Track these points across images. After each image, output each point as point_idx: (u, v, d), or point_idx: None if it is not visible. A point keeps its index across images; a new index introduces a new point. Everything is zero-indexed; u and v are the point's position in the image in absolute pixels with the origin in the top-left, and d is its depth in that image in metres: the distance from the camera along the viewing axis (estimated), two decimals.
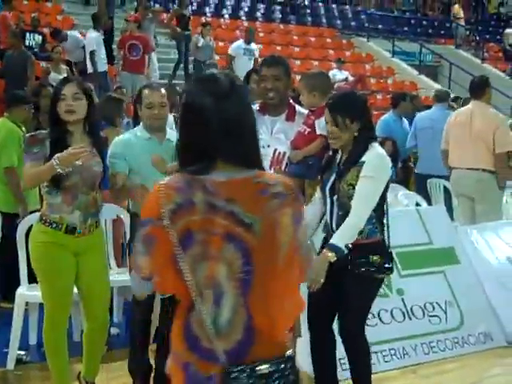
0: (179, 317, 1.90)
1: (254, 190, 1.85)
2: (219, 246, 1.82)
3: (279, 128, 3.71)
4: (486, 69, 17.39)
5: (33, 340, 4.63)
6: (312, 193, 3.62)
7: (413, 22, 20.18)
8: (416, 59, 17.30)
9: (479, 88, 6.06)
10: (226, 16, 16.76)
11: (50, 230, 3.49)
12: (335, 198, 3.33)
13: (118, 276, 4.79)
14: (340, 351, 3.53)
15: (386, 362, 4.26)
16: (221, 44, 14.66)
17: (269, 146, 3.69)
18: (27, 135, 3.67)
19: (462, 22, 19.44)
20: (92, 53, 10.48)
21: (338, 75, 13.32)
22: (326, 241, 3.42)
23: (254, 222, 1.83)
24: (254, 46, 11.82)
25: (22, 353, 4.37)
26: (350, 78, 13.50)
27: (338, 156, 3.40)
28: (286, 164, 3.68)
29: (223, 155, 1.85)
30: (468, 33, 19.72)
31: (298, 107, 3.80)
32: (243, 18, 17.00)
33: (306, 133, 3.61)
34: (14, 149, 5.05)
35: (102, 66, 10.66)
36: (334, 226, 3.36)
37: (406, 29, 19.21)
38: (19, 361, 4.30)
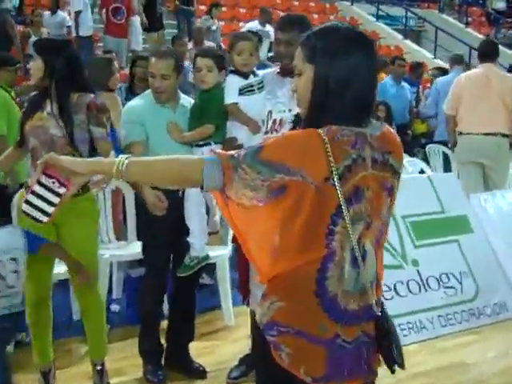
0: (299, 293, 1.82)
1: (394, 139, 1.91)
2: (383, 202, 1.85)
3: None
4: (469, 33, 17.25)
5: None
6: None
7: None
8: (400, 23, 17.05)
9: (494, 50, 5.87)
10: None
11: (23, 194, 3.34)
12: None
13: (118, 250, 4.58)
14: None
15: (405, 336, 4.09)
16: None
17: (290, 111, 3.44)
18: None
19: None
20: (77, 14, 10.08)
21: None
22: None
23: (401, 168, 1.91)
24: (268, 27, 10.51)
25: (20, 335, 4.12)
26: None
27: None
28: None
29: (370, 109, 1.86)
30: None
31: None
32: None
33: None
34: (2, 115, 4.65)
35: (88, 29, 10.21)
36: None
37: None
38: (18, 343, 4.04)
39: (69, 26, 10.38)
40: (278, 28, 3.43)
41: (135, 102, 3.63)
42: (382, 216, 1.86)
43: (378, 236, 1.87)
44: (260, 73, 3.54)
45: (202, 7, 13.52)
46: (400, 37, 16.42)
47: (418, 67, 9.20)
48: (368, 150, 1.80)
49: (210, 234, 3.93)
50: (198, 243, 3.50)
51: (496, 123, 5.66)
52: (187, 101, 3.62)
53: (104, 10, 10.26)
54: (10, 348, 3.93)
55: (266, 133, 3.47)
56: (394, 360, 1.89)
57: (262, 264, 1.95)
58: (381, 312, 1.89)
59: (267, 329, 1.86)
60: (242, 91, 3.41)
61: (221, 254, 4.44)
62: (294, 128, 3.37)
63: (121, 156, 1.82)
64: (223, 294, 4.52)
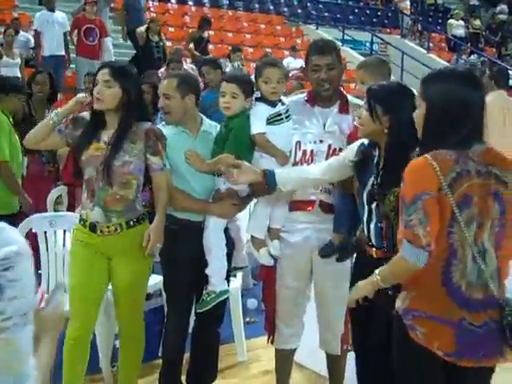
0: (429, 284, 2.28)
1: (498, 154, 2.36)
2: (490, 205, 2.25)
3: (332, 121, 3.34)
4: (431, 58, 17.57)
5: None
6: None
7: (357, 11, 20.10)
8: (363, 48, 17.22)
9: (506, 77, 6.00)
10: (173, 1, 16.18)
11: (80, 226, 3.25)
12: (374, 206, 2.82)
13: None
14: None
15: None
16: (171, 30, 14.21)
17: (321, 142, 3.32)
18: (71, 117, 3.29)
19: (408, 12, 19.51)
20: (35, 33, 9.90)
21: (292, 63, 13.02)
22: (357, 251, 3.09)
23: (509, 179, 2.30)
24: None
25: None
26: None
27: (376, 153, 2.89)
28: None
29: (478, 134, 2.34)
30: (413, 23, 19.82)
31: (350, 97, 3.45)
32: (190, 3, 16.46)
33: None
34: (5, 141, 4.46)
35: (52, 49, 9.88)
36: (373, 239, 2.85)
37: (351, 17, 19.10)
38: None
39: (32, 48, 10.23)
40: (317, 53, 3.30)
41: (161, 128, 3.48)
42: (492, 217, 2.26)
43: (497, 237, 2.28)
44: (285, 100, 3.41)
45: None
46: None
47: None
48: (471, 164, 2.27)
49: (236, 268, 3.80)
50: (215, 277, 3.35)
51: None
52: (213, 127, 3.47)
53: (75, 32, 10.03)
54: None
55: (295, 164, 3.34)
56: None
57: None
58: (504, 301, 2.26)
59: (404, 314, 2.35)
60: (270, 120, 3.27)
61: (233, 286, 4.28)
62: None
63: None
64: (236, 327, 4.35)
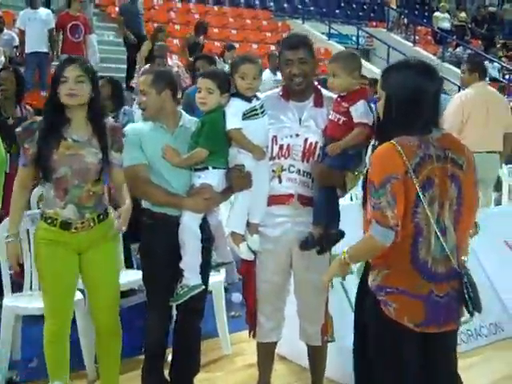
0: (399, 262, 2.48)
1: (454, 139, 2.62)
2: (448, 186, 2.49)
3: (308, 115, 3.37)
4: (417, 51, 17.60)
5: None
6: (352, 187, 3.33)
7: (343, 4, 20.12)
8: (350, 42, 17.25)
9: (486, 69, 6.13)
10: None
11: (47, 226, 3.22)
12: None
13: None
14: None
15: None
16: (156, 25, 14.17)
17: (298, 136, 3.36)
18: (19, 129, 3.23)
19: (394, 6, 19.55)
20: (20, 32, 9.86)
21: None
22: None
23: (463, 161, 2.56)
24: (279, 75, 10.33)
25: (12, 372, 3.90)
26: None
27: None
28: (319, 155, 3.36)
29: (435, 121, 2.55)
30: (399, 16, 19.85)
31: (324, 91, 3.49)
32: None
33: (341, 122, 3.25)
34: None
35: (33, 46, 9.84)
36: None
37: (337, 11, 19.12)
38: (9, 381, 3.82)
39: (16, 46, 10.20)
40: (289, 48, 3.34)
41: (135, 124, 3.51)
42: (450, 197, 2.50)
43: (456, 216, 2.52)
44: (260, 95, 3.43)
45: None
46: None
47: (375, 84, 9.26)
48: (432, 149, 2.48)
49: (221, 264, 3.83)
50: (188, 270, 3.36)
51: (498, 142, 6.04)
52: (193, 122, 3.47)
53: (61, 31, 10.00)
54: None
55: (273, 158, 3.38)
56: (473, 306, 2.52)
57: None
58: (463, 271, 2.53)
59: (377, 290, 2.54)
60: (246, 115, 3.29)
61: (216, 280, 4.31)
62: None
63: None
64: (220, 322, 4.38)
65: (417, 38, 18.71)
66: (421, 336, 2.54)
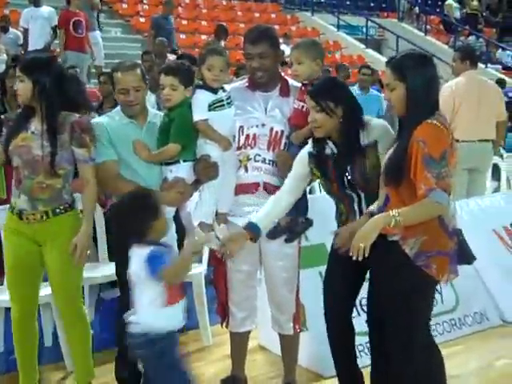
0: (432, 227, 2.79)
1: None
2: (455, 158, 2.84)
3: (273, 105, 3.38)
4: (429, 41, 17.47)
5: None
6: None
7: None
8: (360, 33, 17.17)
9: (476, 57, 6.14)
10: None
11: (10, 214, 3.34)
12: (360, 191, 3.07)
13: (89, 272, 4.40)
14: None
15: None
16: (145, 7, 14.39)
17: (263, 125, 3.36)
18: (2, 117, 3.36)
19: None
20: (25, 31, 9.92)
21: (286, 50, 12.99)
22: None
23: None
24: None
25: None
26: None
27: (330, 149, 3.11)
28: (285, 144, 3.35)
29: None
30: (410, 6, 19.69)
31: (290, 80, 3.48)
32: None
33: (305, 109, 3.25)
34: None
35: (36, 44, 9.83)
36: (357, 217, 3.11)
37: (348, 3, 19.00)
38: None
39: (21, 45, 10.25)
40: (249, 42, 3.34)
41: (103, 119, 3.50)
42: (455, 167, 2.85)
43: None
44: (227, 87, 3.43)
45: None
46: (361, 46, 16.53)
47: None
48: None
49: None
50: None
51: (490, 130, 6.00)
52: (157, 117, 3.49)
53: (63, 29, 10.04)
54: None
55: (239, 148, 3.38)
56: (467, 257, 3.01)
57: None
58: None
59: (416, 257, 2.79)
60: (212, 107, 3.30)
61: (196, 272, 4.32)
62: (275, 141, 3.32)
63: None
64: (200, 313, 4.39)
65: (428, 27, 18.56)
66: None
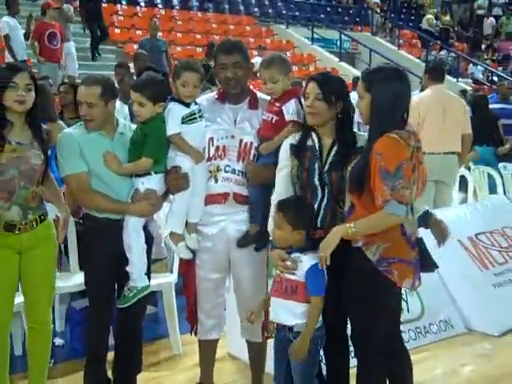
0: (394, 236, 2.91)
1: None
2: (421, 172, 2.98)
3: (242, 117, 3.45)
4: (402, 55, 17.74)
5: None
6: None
7: (329, 9, 20.25)
8: (334, 46, 17.38)
9: (443, 72, 6.28)
10: (142, 4, 16.26)
11: None
12: (326, 188, 3.14)
13: (59, 282, 4.42)
14: None
15: (352, 358, 4.06)
16: (138, 33, 14.28)
17: (233, 137, 3.43)
18: None
19: (379, 9, 19.68)
20: (6, 38, 9.87)
21: (259, 62, 13.09)
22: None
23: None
24: None
25: None
26: None
27: (312, 141, 3.20)
28: (254, 155, 3.43)
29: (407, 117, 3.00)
30: (383, 20, 19.98)
31: (258, 93, 3.56)
32: (160, 5, 16.55)
33: (274, 121, 3.33)
34: None
35: (22, 54, 9.99)
36: (319, 221, 3.16)
37: (322, 16, 19.24)
38: None
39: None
40: (223, 52, 3.41)
41: (71, 130, 3.52)
42: (422, 181, 3.02)
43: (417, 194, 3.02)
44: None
45: None
46: (335, 59, 16.73)
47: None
48: (413, 141, 2.93)
49: (155, 260, 3.88)
50: (136, 273, 3.43)
51: (456, 143, 6.13)
52: (128, 128, 3.54)
53: (37, 39, 10.04)
54: None
55: (209, 159, 3.44)
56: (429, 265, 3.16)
57: None
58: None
59: (379, 263, 2.90)
60: (185, 120, 3.35)
61: (166, 281, 4.37)
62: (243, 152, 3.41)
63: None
64: (170, 322, 4.44)
65: (401, 41, 18.84)
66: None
